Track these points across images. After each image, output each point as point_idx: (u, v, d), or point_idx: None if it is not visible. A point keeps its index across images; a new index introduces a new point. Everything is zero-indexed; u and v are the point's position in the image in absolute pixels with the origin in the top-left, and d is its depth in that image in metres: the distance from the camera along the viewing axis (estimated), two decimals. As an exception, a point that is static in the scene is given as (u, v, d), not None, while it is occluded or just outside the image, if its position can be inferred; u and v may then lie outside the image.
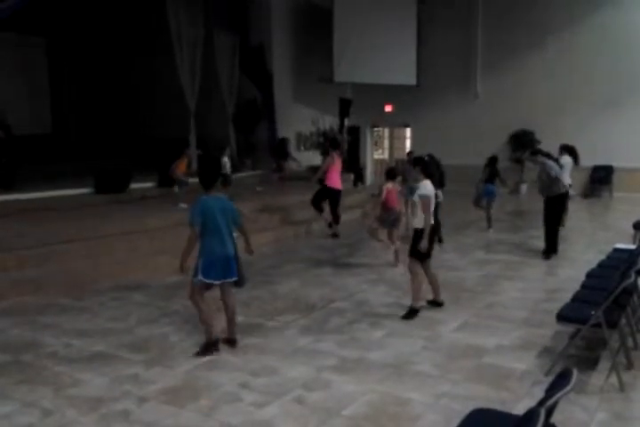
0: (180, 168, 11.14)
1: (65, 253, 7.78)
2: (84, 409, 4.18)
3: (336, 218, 10.82)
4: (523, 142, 17.11)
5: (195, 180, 6.54)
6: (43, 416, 4.09)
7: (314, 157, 16.79)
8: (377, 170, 20.62)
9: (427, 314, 6.31)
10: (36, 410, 4.18)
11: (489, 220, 11.27)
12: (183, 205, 9.96)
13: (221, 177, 12.20)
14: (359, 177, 17.32)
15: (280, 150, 14.95)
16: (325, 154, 12.72)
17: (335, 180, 10.67)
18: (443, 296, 6.98)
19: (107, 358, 5.14)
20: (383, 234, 8.79)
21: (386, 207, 8.52)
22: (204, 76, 16.26)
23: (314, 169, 11.67)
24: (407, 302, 6.58)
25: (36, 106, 18.61)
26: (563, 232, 10.03)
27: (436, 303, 6.56)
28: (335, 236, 10.76)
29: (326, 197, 10.73)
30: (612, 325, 4.61)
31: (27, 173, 12.32)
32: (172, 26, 15.31)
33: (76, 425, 3.97)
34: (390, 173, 8.73)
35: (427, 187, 6.15)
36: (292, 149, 16.96)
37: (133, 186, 12.09)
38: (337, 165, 10.73)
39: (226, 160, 12.39)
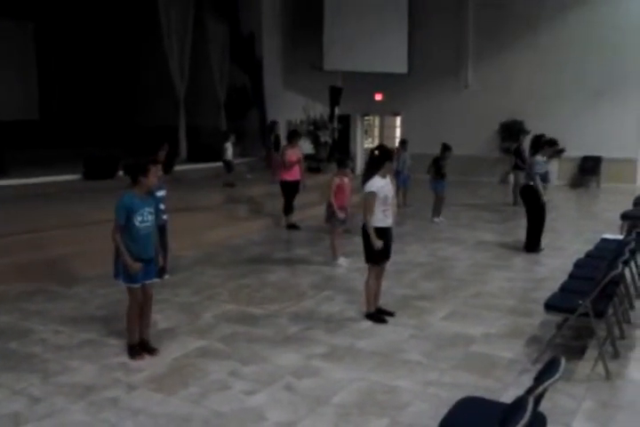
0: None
1: (53, 240, 7.73)
2: (73, 397, 4.18)
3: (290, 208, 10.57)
4: (512, 132, 17.15)
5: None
6: (31, 404, 4.08)
7: (304, 146, 16.72)
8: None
9: (415, 303, 6.34)
10: (23, 398, 4.17)
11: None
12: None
13: (224, 163, 12.27)
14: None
15: (268, 137, 14.69)
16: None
17: (291, 172, 10.31)
18: (431, 285, 7.03)
19: (96, 346, 5.13)
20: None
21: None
22: (193, 63, 16.16)
23: (305, 158, 11.52)
24: (398, 290, 6.62)
25: (23, 92, 18.38)
26: (550, 223, 10.08)
27: (386, 312, 5.97)
28: (293, 227, 10.54)
29: (288, 192, 10.42)
30: (600, 314, 4.65)
31: (14, 158, 12.19)
32: (162, 13, 15.19)
33: (64, 413, 3.97)
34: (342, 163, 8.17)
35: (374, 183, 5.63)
36: (282, 133, 16.67)
37: (122, 173, 12.00)
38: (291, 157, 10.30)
39: (228, 146, 12.42)
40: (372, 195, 5.56)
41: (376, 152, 5.71)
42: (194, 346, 5.13)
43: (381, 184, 5.61)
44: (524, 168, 11.47)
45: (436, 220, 11.15)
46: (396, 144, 18.30)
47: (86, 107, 19.08)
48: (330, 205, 8.07)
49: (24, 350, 5.02)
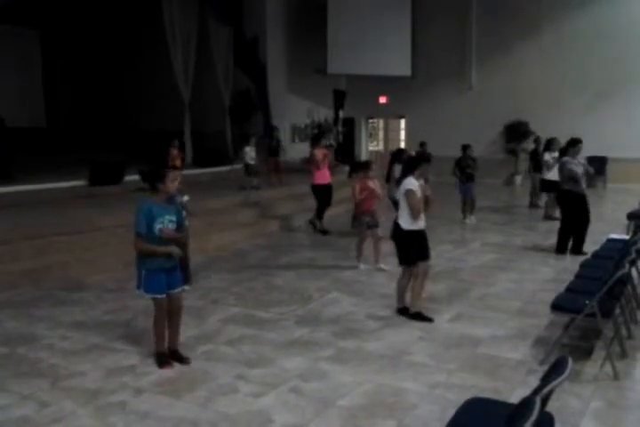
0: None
1: (60, 246, 7.76)
2: (81, 401, 4.19)
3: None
4: (517, 133, 17.13)
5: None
6: (39, 408, 4.10)
7: (308, 149, 16.74)
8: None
9: (422, 305, 6.31)
10: (32, 402, 4.18)
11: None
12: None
13: (245, 167, 12.31)
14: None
15: (269, 142, 14.67)
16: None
17: (322, 175, 10.36)
18: (438, 287, 7.01)
19: (103, 350, 5.14)
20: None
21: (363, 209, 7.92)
22: (198, 68, 16.24)
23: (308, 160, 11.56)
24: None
25: (29, 99, 18.50)
26: (556, 224, 10.05)
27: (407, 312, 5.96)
28: (325, 232, 10.44)
29: (321, 196, 10.39)
30: (607, 314, 4.64)
31: (21, 165, 12.27)
32: (166, 17, 15.30)
33: (72, 417, 3.98)
34: (365, 166, 8.02)
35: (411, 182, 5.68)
36: (283, 137, 16.55)
37: (128, 178, 12.05)
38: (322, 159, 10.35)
39: (248, 149, 12.53)
40: (412, 192, 5.54)
41: (412, 153, 5.70)
42: (200, 350, 5.13)
43: (417, 184, 5.61)
44: (541, 171, 11.33)
45: (466, 221, 11.29)
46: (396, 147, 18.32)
47: (92, 113, 19.20)
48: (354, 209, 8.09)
49: (32, 356, 5.04)
